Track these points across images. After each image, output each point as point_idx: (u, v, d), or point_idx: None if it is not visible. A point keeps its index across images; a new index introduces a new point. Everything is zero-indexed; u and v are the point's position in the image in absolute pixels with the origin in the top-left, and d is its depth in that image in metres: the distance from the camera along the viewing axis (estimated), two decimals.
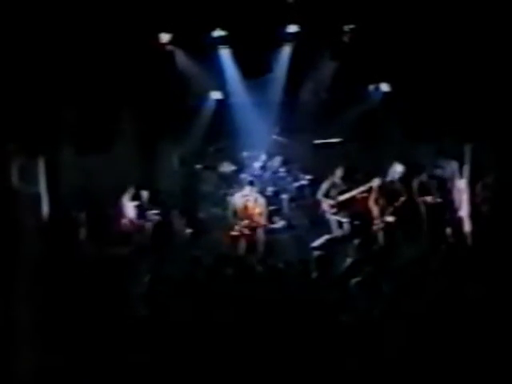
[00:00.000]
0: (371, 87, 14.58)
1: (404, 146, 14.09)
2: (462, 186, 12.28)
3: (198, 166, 14.29)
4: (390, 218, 12.50)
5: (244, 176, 13.82)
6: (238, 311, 8.46)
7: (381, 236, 12.46)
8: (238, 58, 14.31)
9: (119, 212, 13.09)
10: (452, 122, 13.28)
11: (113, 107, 13.63)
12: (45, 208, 10.90)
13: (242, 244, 12.63)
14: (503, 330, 7.94)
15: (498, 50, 12.76)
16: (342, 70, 14.26)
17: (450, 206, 12.42)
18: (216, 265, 10.22)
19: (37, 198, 10.63)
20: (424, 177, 12.74)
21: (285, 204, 13.85)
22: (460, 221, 12.17)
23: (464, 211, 12.16)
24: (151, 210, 13.16)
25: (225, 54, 14.36)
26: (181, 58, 14.28)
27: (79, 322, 8.55)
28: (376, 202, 12.65)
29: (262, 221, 12.80)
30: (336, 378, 7.69)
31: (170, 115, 14.07)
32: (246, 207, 12.77)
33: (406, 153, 13.73)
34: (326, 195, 13.10)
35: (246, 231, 12.67)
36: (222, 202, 13.43)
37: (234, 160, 14.29)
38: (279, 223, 13.53)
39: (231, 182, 13.94)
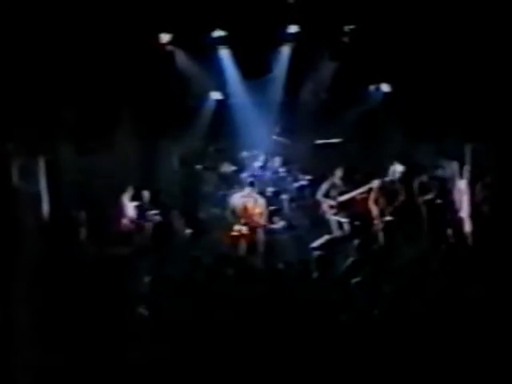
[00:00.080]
0: (371, 87, 14.58)
1: (404, 147, 14.09)
2: (462, 186, 12.29)
3: (198, 167, 14.28)
4: (389, 218, 12.49)
5: (244, 176, 13.81)
6: (238, 311, 8.46)
7: (381, 236, 12.45)
8: (237, 58, 14.31)
9: (119, 212, 13.08)
10: (452, 122, 13.29)
11: (113, 107, 13.63)
12: (45, 207, 10.90)
13: (242, 244, 12.62)
14: (503, 330, 7.93)
15: (498, 50, 12.77)
16: (342, 71, 14.26)
17: (450, 206, 12.42)
18: (216, 265, 10.22)
19: (37, 198, 10.64)
20: (424, 177, 12.74)
21: (285, 204, 13.83)
22: (460, 221, 12.18)
23: (464, 211, 12.17)
24: (151, 210, 13.15)
25: (225, 54, 14.36)
26: (181, 58, 14.28)
27: (79, 321, 8.55)
28: (376, 202, 12.65)
29: (262, 221, 12.79)
30: (336, 378, 7.69)
31: (170, 115, 14.06)
32: (245, 207, 12.76)
33: (407, 153, 13.73)
34: (326, 195, 13.09)
35: (246, 231, 12.66)
36: (222, 203, 13.40)
37: (234, 160, 14.28)
38: (279, 223, 13.51)
39: (231, 182, 13.93)
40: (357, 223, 12.90)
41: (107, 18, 12.67)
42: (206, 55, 14.15)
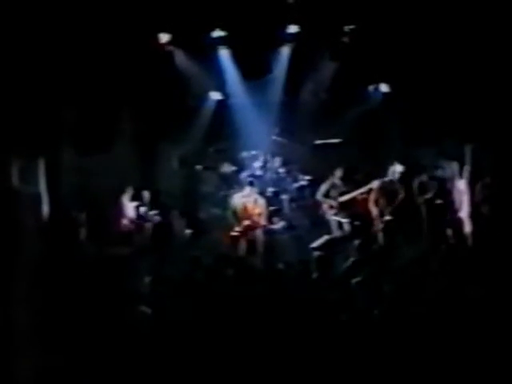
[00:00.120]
0: (371, 88, 14.58)
1: (404, 147, 14.09)
2: (462, 186, 12.29)
3: (198, 167, 14.28)
4: (389, 218, 12.49)
5: (244, 176, 13.81)
6: (238, 312, 8.46)
7: (381, 236, 12.45)
8: (237, 58, 14.31)
9: (119, 212, 13.08)
10: (452, 122, 13.29)
11: (113, 108, 13.64)
12: (45, 208, 10.88)
13: (242, 244, 12.62)
14: (503, 331, 7.94)
15: (497, 51, 12.77)
16: (342, 71, 14.26)
17: (450, 206, 12.42)
18: (216, 265, 10.23)
19: (37, 199, 10.62)
20: (424, 177, 12.74)
21: (285, 204, 13.83)
22: (460, 221, 12.18)
23: (464, 212, 12.17)
24: (151, 210, 13.15)
25: (224, 54, 14.36)
26: (180, 58, 14.28)
27: (79, 322, 8.55)
28: (376, 202, 12.65)
29: (262, 221, 12.79)
30: (337, 378, 7.69)
31: (169, 116, 14.06)
32: (245, 208, 12.75)
33: (406, 153, 13.73)
34: (326, 196, 13.09)
35: (246, 232, 12.66)
36: (222, 203, 13.40)
37: (234, 160, 14.27)
38: (279, 224, 13.50)
39: (231, 182, 13.92)
40: (357, 223, 12.90)
41: (107, 18, 12.67)
42: (205, 55, 14.14)
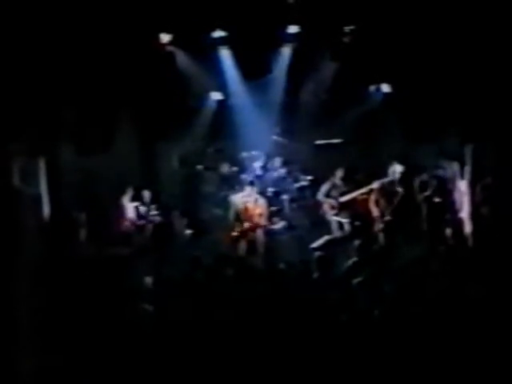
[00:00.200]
0: (372, 88, 14.57)
1: (405, 147, 14.09)
2: (462, 186, 12.28)
3: (199, 167, 14.28)
4: (389, 218, 12.49)
5: (244, 177, 13.81)
6: (238, 312, 8.47)
7: (381, 236, 12.45)
8: (238, 58, 14.30)
9: (120, 213, 13.08)
10: (453, 122, 13.29)
11: (113, 108, 13.64)
12: (45, 208, 10.88)
13: (243, 245, 12.62)
14: (503, 331, 7.93)
15: (498, 50, 12.75)
16: (343, 71, 14.26)
17: (450, 206, 12.41)
18: (216, 265, 10.23)
19: (37, 199, 10.62)
20: (425, 176, 12.74)
21: (285, 205, 13.84)
22: (461, 222, 12.17)
23: (465, 212, 12.16)
24: (152, 210, 13.14)
25: (225, 54, 14.35)
26: (181, 58, 14.28)
27: (79, 322, 8.55)
28: (376, 203, 12.64)
29: (263, 221, 12.78)
30: (337, 378, 7.69)
31: (170, 116, 14.06)
32: (246, 208, 12.75)
33: (407, 154, 13.73)
34: (327, 196, 13.09)
35: (247, 232, 12.66)
36: (223, 203, 13.40)
37: (235, 161, 14.28)
38: (280, 224, 13.51)
39: (232, 182, 13.93)
40: (357, 223, 12.90)
41: (107, 19, 12.65)
42: (206, 55, 14.14)
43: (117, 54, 13.10)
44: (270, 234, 13.00)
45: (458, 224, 12.18)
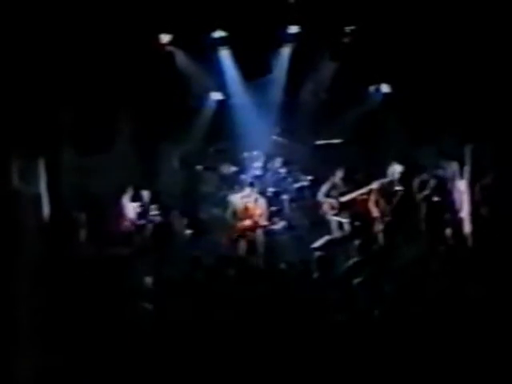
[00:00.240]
0: (371, 88, 14.57)
1: (404, 147, 14.08)
2: (462, 186, 12.28)
3: (199, 167, 14.28)
4: (389, 218, 12.49)
5: (244, 177, 13.81)
6: (238, 312, 8.47)
7: (381, 237, 12.44)
8: (238, 58, 14.30)
9: (119, 212, 13.08)
10: (453, 122, 13.28)
11: (113, 108, 13.63)
12: (45, 209, 10.88)
13: (243, 245, 12.62)
14: (503, 330, 7.94)
15: (497, 51, 12.75)
16: (343, 71, 14.25)
17: (450, 206, 12.41)
18: (216, 265, 10.24)
19: (37, 199, 10.61)
20: (424, 176, 12.74)
21: (285, 205, 13.83)
22: (460, 221, 12.16)
23: (464, 212, 12.16)
24: (151, 210, 13.14)
25: (225, 54, 14.35)
26: (181, 58, 14.28)
27: (79, 322, 8.55)
28: (376, 203, 12.64)
29: (263, 221, 12.79)
30: (338, 378, 7.69)
31: (170, 116, 14.05)
32: (246, 208, 12.75)
33: (407, 154, 13.72)
34: (327, 196, 13.09)
35: (247, 232, 12.66)
36: (223, 203, 13.40)
37: (235, 161, 14.28)
38: (280, 224, 13.51)
39: (232, 182, 13.93)
40: (357, 224, 12.90)
41: (107, 19, 12.66)
42: (206, 56, 14.15)
43: (117, 54, 13.10)
44: (270, 234, 13.01)
45: (457, 224, 12.18)
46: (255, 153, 14.20)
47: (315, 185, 13.66)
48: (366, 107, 14.59)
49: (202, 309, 8.65)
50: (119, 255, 11.59)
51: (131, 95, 13.64)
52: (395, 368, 7.63)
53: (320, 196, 13.14)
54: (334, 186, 13.11)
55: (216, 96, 14.66)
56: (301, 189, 14.04)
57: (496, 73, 12.76)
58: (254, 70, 14.24)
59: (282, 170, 14.08)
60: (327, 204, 13.06)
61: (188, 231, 13.45)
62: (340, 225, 12.95)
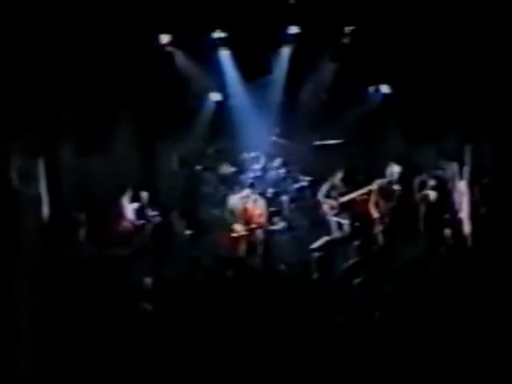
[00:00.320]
0: (371, 89, 14.56)
1: (404, 148, 14.09)
2: (462, 187, 12.28)
3: (198, 167, 14.28)
4: (389, 219, 12.49)
5: (244, 177, 13.81)
6: (238, 312, 8.47)
7: (381, 237, 12.44)
8: (237, 59, 14.30)
9: (119, 213, 13.07)
10: (452, 123, 13.29)
11: (113, 108, 13.61)
12: (45, 209, 10.89)
13: (242, 245, 12.62)
14: (503, 330, 7.94)
15: (497, 51, 12.77)
16: (342, 72, 14.25)
17: (450, 207, 12.41)
18: (216, 266, 10.23)
19: (37, 199, 10.62)
20: (424, 176, 12.74)
21: (285, 205, 13.84)
22: (460, 222, 12.17)
23: (464, 212, 12.16)
24: (151, 211, 13.14)
25: (224, 55, 14.35)
26: (180, 59, 14.27)
27: (79, 322, 8.55)
28: (376, 204, 12.64)
29: (262, 222, 12.79)
30: (338, 379, 7.70)
31: (169, 116, 14.03)
32: (245, 208, 12.75)
33: (407, 154, 13.73)
34: (327, 196, 13.09)
35: (246, 232, 12.65)
36: (222, 204, 13.39)
37: (234, 161, 14.28)
38: (279, 224, 13.52)
39: (231, 183, 13.92)
40: (357, 224, 12.90)
41: (107, 19, 12.66)
42: (205, 56, 14.14)
43: (116, 54, 13.09)
44: (269, 234, 13.00)
45: (457, 224, 12.18)
46: (255, 153, 14.20)
47: (315, 185, 13.66)
48: (365, 108, 14.58)
49: (201, 309, 8.64)
50: (119, 255, 11.58)
51: (131, 95, 13.63)
52: (395, 368, 7.63)
53: (320, 196, 13.14)
54: (333, 187, 13.11)
55: (216, 96, 14.64)
56: (300, 189, 14.05)
57: (496, 73, 12.78)
58: (254, 71, 14.24)
59: (282, 171, 14.09)
60: (327, 204, 13.05)
61: (187, 232, 13.44)
62: (340, 225, 12.95)
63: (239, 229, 12.65)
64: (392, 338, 7.93)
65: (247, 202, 12.78)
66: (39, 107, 11.57)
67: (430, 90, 13.50)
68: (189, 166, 14.39)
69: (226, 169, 14.22)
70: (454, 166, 12.51)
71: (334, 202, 12.99)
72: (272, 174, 14.09)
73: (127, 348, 8.11)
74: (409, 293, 8.75)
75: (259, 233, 12.72)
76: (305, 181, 14.03)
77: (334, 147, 14.33)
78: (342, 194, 13.02)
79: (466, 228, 12.04)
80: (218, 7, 13.13)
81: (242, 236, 12.63)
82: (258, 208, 12.78)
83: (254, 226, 12.68)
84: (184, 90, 14.29)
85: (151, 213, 13.13)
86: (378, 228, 12.51)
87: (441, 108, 13.49)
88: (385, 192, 12.63)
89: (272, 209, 13.38)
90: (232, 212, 12.77)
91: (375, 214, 12.59)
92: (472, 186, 12.22)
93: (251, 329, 8.20)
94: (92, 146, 13.32)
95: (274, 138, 14.33)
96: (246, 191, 12.89)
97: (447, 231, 12.29)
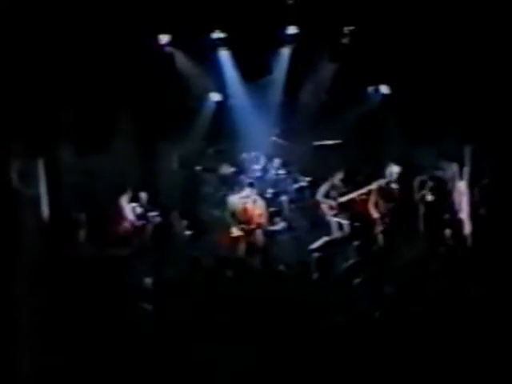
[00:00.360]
0: (371, 89, 14.58)
1: (404, 148, 14.09)
2: (462, 187, 12.29)
3: (198, 168, 14.28)
4: (388, 219, 12.50)
5: (244, 178, 13.81)
6: (237, 313, 8.46)
7: (381, 237, 12.45)
8: (237, 59, 14.31)
9: (119, 213, 13.07)
10: (452, 123, 13.29)
11: (112, 108, 13.62)
12: (45, 209, 10.89)
13: (242, 245, 12.61)
14: (503, 330, 7.94)
15: (497, 52, 12.77)
16: (342, 72, 14.27)
17: (450, 207, 12.42)
18: (216, 266, 10.23)
19: (37, 199, 10.62)
20: (424, 178, 12.74)
21: (285, 206, 13.84)
22: (460, 222, 12.18)
23: (464, 213, 12.17)
24: (151, 211, 13.14)
25: (224, 55, 14.36)
26: (180, 59, 14.28)
27: (79, 322, 8.55)
28: (376, 204, 12.65)
29: (262, 222, 12.79)
30: (338, 379, 7.69)
31: (169, 117, 14.05)
32: (245, 209, 12.74)
33: (406, 155, 13.74)
34: (326, 197, 13.09)
35: (246, 233, 12.65)
36: (222, 204, 13.38)
37: (234, 162, 14.28)
38: (279, 225, 13.52)
39: (231, 183, 13.92)
40: (357, 224, 12.90)
41: (106, 19, 12.66)
42: (205, 56, 14.16)
43: (116, 54, 13.10)
44: (269, 234, 13.00)
45: (457, 224, 12.19)
46: (254, 154, 14.21)
47: (314, 185, 13.66)
48: (365, 108, 14.60)
49: (201, 309, 8.64)
50: (119, 255, 11.57)
51: (131, 95, 13.64)
52: (396, 368, 7.63)
53: (319, 196, 13.13)
54: (333, 187, 13.11)
55: (215, 97, 14.67)
56: (300, 189, 14.06)
57: (495, 74, 12.77)
58: (254, 71, 14.25)
59: (282, 171, 14.10)
60: (326, 205, 13.05)
61: (187, 232, 13.45)
62: (339, 225, 12.95)
63: (239, 230, 12.64)
64: (392, 338, 7.92)
65: (247, 202, 12.77)
66: (39, 107, 11.56)
67: (430, 91, 13.51)
68: (188, 166, 14.39)
69: (226, 169, 14.22)
70: (454, 167, 12.52)
71: (333, 203, 12.99)
72: (272, 175, 14.10)
73: (127, 348, 8.10)
74: (409, 293, 8.75)
75: (259, 233, 12.71)
76: (304, 181, 14.04)
77: (334, 147, 14.34)
78: (342, 195, 13.02)
79: (466, 228, 12.05)
80: (217, 7, 13.13)
81: (242, 236, 12.63)
82: (257, 208, 12.78)
83: (253, 226, 12.68)
84: (184, 90, 14.31)
85: (151, 213, 13.13)
86: (378, 228, 12.52)
87: (441, 108, 13.50)
88: (384, 192, 12.64)
89: (272, 209, 13.38)
90: (232, 213, 12.76)
91: (375, 215, 12.60)
92: (472, 186, 12.22)
93: (251, 329, 8.19)
94: (92, 146, 13.32)
95: (273, 139, 14.34)
96: (246, 191, 12.89)
97: (447, 231, 12.30)
